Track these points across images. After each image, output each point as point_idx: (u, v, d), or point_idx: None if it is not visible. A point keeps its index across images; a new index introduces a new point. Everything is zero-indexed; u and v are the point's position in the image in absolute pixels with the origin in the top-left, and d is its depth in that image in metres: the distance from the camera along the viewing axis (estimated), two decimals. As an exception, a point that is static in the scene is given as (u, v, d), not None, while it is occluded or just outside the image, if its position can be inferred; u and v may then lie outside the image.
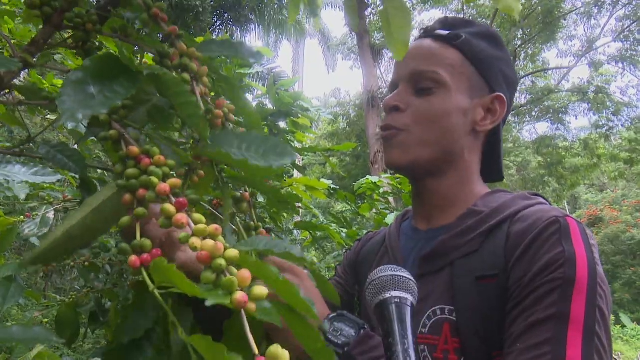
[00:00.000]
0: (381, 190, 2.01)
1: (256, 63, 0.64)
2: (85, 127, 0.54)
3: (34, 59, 0.53)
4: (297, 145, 1.57)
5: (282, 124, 1.49)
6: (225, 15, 10.37)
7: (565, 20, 11.40)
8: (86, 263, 1.19)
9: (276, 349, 0.34)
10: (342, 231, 1.75)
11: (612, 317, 15.18)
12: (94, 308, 1.18)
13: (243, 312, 0.36)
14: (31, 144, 0.64)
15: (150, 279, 0.39)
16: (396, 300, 0.57)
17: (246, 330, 0.35)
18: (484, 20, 11.07)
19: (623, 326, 14.75)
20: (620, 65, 11.66)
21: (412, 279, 0.61)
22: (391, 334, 0.55)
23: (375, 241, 0.87)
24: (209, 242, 0.38)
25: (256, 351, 0.34)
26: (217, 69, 0.63)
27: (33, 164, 0.61)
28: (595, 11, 11.43)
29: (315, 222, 1.61)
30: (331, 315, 0.60)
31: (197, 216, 0.42)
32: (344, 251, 1.85)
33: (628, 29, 11.05)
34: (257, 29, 11.70)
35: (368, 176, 2.03)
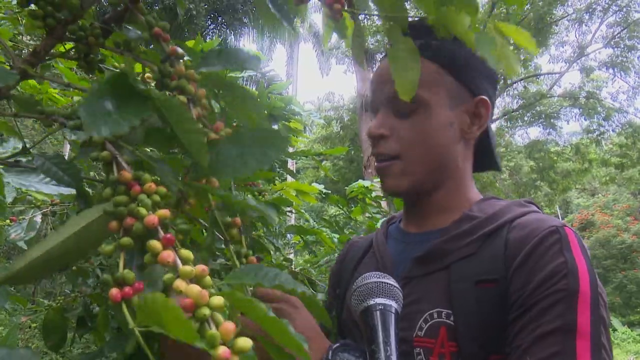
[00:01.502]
0: (373, 194, 2.01)
1: (254, 69, 0.63)
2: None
3: (35, 70, 0.53)
4: (290, 149, 1.57)
5: (274, 128, 1.49)
6: (219, 18, 10.37)
7: (556, 26, 11.53)
8: (74, 267, 1.18)
9: (244, 342, 0.34)
10: (334, 236, 1.75)
11: (604, 321, 15.29)
12: (82, 313, 1.16)
13: None
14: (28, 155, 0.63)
15: (132, 315, 0.37)
16: (380, 307, 0.58)
17: None
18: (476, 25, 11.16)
19: (614, 329, 14.85)
20: (611, 71, 11.80)
21: (397, 286, 0.61)
22: (374, 341, 0.55)
23: (359, 246, 0.87)
24: (194, 289, 0.36)
25: None
26: (221, 80, 0.62)
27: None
28: (587, 17, 11.57)
29: (306, 227, 1.61)
30: (334, 346, 0.60)
31: (185, 253, 0.40)
32: (335, 255, 1.85)
33: (619, 35, 11.19)
34: (251, 32, 11.71)
35: (360, 180, 2.03)
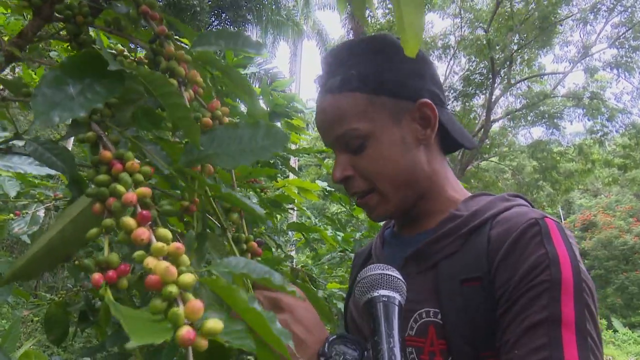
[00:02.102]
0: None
1: (257, 54, 0.61)
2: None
3: (23, 52, 0.51)
4: (292, 146, 1.57)
5: (277, 125, 1.49)
6: (223, 15, 10.37)
7: (561, 25, 11.47)
8: (76, 262, 1.18)
9: (215, 323, 0.32)
10: (339, 234, 1.75)
11: (605, 322, 15.27)
12: (84, 307, 1.17)
13: (190, 350, 0.31)
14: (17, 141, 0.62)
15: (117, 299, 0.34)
16: (384, 299, 0.58)
17: None
18: (480, 24, 11.14)
19: (615, 331, 14.83)
20: (615, 71, 11.73)
21: (400, 278, 0.62)
22: (377, 332, 0.55)
23: (363, 253, 0.90)
24: (161, 264, 0.33)
25: None
26: (218, 62, 0.60)
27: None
28: (591, 17, 11.51)
29: (308, 224, 1.61)
30: (331, 338, 0.60)
31: (163, 232, 0.37)
32: (338, 253, 1.85)
33: (623, 35, 11.13)
34: (255, 29, 11.70)
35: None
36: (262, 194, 1.35)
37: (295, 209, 1.70)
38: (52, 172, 0.61)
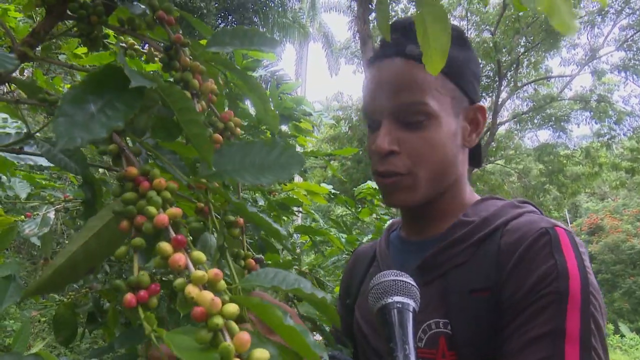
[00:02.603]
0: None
1: (272, 51, 0.59)
2: None
3: (35, 51, 0.50)
4: (299, 149, 1.57)
5: (284, 128, 1.49)
6: (230, 17, 10.41)
7: (568, 28, 11.41)
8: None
9: (262, 353, 0.33)
10: (342, 236, 1.75)
11: (612, 327, 15.14)
12: (92, 308, 1.17)
13: None
14: (31, 141, 0.62)
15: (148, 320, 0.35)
16: (398, 305, 0.58)
17: None
18: (487, 27, 11.11)
19: (622, 335, 14.69)
20: (623, 74, 11.67)
21: (414, 284, 0.61)
22: (392, 339, 0.55)
23: (365, 256, 0.87)
24: (206, 296, 0.34)
25: None
26: (231, 65, 0.59)
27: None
28: (599, 20, 11.45)
29: (315, 227, 1.61)
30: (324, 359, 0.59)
31: (197, 255, 0.38)
32: (344, 256, 1.85)
33: (631, 38, 11.06)
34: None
35: (369, 181, 2.03)
36: (270, 196, 1.35)
37: (302, 211, 1.71)
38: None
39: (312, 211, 1.65)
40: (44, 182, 1.19)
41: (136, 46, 0.68)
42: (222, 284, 0.36)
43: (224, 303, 0.34)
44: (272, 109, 0.62)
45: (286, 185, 1.42)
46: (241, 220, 0.56)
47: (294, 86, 1.60)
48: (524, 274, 0.60)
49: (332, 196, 1.76)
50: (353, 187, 2.10)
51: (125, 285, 0.38)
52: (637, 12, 10.78)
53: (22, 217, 1.02)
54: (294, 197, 1.40)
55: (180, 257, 0.36)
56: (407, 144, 0.69)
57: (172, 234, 0.38)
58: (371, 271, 0.82)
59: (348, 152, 1.79)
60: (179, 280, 0.36)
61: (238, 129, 0.54)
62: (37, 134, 0.59)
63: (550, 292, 0.57)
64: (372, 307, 0.61)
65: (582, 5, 11.05)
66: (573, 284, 0.57)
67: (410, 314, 0.57)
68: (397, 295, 0.59)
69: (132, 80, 0.40)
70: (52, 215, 1.03)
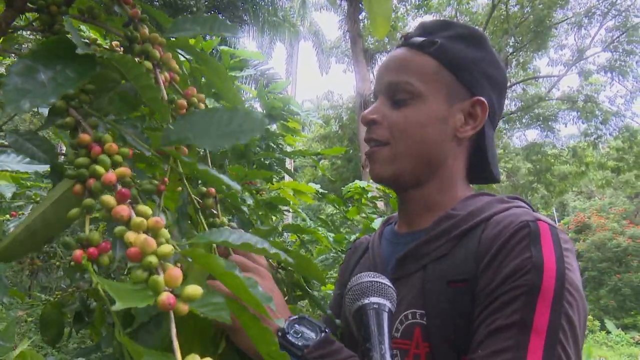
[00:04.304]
0: (369, 195, 2.02)
1: (232, 36, 0.61)
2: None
3: None
4: (288, 148, 1.58)
5: (273, 127, 1.50)
6: (220, 15, 10.35)
7: (556, 29, 11.56)
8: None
9: (194, 289, 0.33)
10: (330, 235, 1.76)
11: (598, 323, 15.34)
12: (79, 308, 1.17)
13: (172, 314, 0.32)
14: None
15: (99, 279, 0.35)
16: (374, 306, 0.58)
17: (172, 335, 0.31)
18: (476, 27, 11.19)
19: (608, 332, 14.90)
20: (609, 74, 11.83)
21: (391, 285, 0.62)
22: (368, 339, 0.56)
23: (361, 246, 0.88)
24: (140, 237, 0.35)
25: (179, 359, 0.30)
26: (194, 49, 0.60)
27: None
28: (586, 21, 11.60)
29: (303, 226, 1.62)
30: (292, 318, 0.60)
31: (143, 208, 0.38)
32: (331, 254, 1.86)
33: (617, 39, 11.23)
34: (251, 30, 11.70)
35: (357, 181, 2.05)
36: (258, 195, 1.36)
37: (291, 210, 1.71)
38: (40, 168, 0.61)
39: (300, 210, 1.66)
40: (28, 184, 1.19)
41: (98, 41, 0.69)
42: (164, 231, 0.37)
43: (159, 245, 0.35)
44: (233, 87, 0.63)
45: (273, 184, 1.42)
46: (213, 190, 0.58)
47: (283, 85, 1.60)
48: (498, 266, 0.59)
49: (321, 195, 1.77)
50: (343, 186, 2.12)
51: (75, 242, 0.38)
52: (623, 14, 10.94)
53: (7, 216, 1.01)
54: (282, 196, 1.41)
55: (123, 209, 0.37)
56: (390, 118, 0.73)
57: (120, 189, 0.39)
58: (362, 262, 0.83)
59: (336, 151, 1.81)
60: (119, 228, 0.37)
61: (202, 104, 0.55)
62: (3, 126, 0.58)
63: (522, 285, 0.56)
64: (349, 308, 0.62)
65: (569, 6, 11.18)
66: (547, 278, 0.56)
67: (386, 315, 0.58)
68: (373, 296, 0.59)
69: (80, 47, 0.40)
70: (37, 214, 1.02)
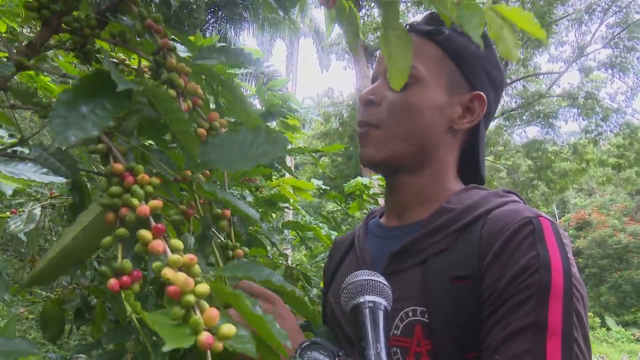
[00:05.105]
0: (371, 191, 2.03)
1: (255, 68, 0.63)
2: None
3: (31, 62, 0.53)
4: (288, 145, 1.58)
5: (273, 124, 1.50)
6: (220, 12, 10.33)
7: (556, 26, 11.52)
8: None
9: (229, 328, 0.35)
10: (332, 233, 1.76)
11: (598, 320, 15.38)
12: (79, 305, 1.18)
13: (209, 353, 0.35)
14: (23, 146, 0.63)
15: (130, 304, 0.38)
16: (370, 304, 0.58)
17: None
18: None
19: (608, 329, 14.94)
20: (610, 71, 11.81)
21: (386, 284, 0.61)
22: (364, 337, 0.56)
23: (343, 243, 0.86)
24: (180, 277, 0.37)
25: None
26: (218, 76, 0.63)
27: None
28: (586, 18, 11.56)
29: (303, 223, 1.62)
30: (305, 344, 0.59)
31: (175, 243, 0.41)
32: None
33: (618, 36, 11.20)
34: (251, 27, 11.67)
35: (358, 177, 2.05)
36: (258, 193, 1.36)
37: (291, 207, 1.72)
38: (56, 179, 0.63)
39: (300, 207, 1.66)
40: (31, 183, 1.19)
41: (127, 62, 0.70)
42: (196, 267, 0.39)
43: (196, 284, 0.37)
44: (257, 117, 0.64)
45: (272, 181, 1.42)
46: (228, 212, 0.58)
47: (283, 83, 1.60)
48: (505, 264, 0.58)
49: (322, 192, 1.77)
50: (343, 182, 2.12)
51: (110, 271, 0.41)
52: (624, 10, 10.91)
53: (8, 213, 1.01)
54: (281, 193, 1.41)
55: (159, 244, 0.40)
56: (388, 99, 0.73)
57: (153, 223, 0.42)
58: (349, 257, 0.81)
59: (336, 148, 1.80)
60: (157, 263, 0.39)
61: (223, 129, 0.55)
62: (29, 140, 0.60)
63: (532, 284, 0.55)
64: (344, 307, 0.61)
65: (569, 2, 11.15)
66: (555, 275, 0.55)
67: (382, 313, 0.58)
68: (369, 294, 0.59)
69: (119, 83, 0.43)
70: (38, 211, 1.02)
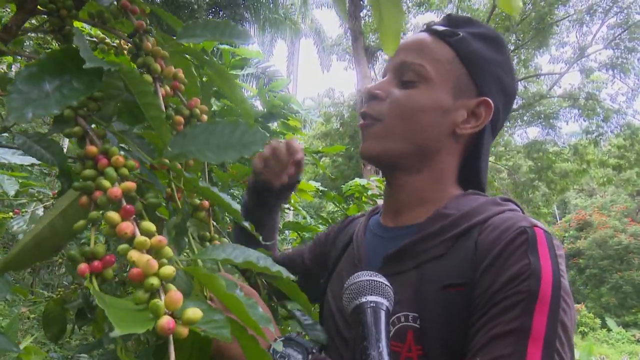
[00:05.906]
0: (369, 193, 2.03)
1: (243, 43, 0.60)
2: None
3: (7, 46, 0.51)
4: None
5: (274, 125, 1.50)
6: (221, 13, 10.34)
7: (557, 26, 11.51)
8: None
9: (194, 312, 0.33)
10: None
11: (598, 321, 15.35)
12: (81, 304, 1.18)
13: (171, 338, 0.32)
14: (7, 134, 0.62)
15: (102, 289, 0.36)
16: (372, 304, 0.58)
17: (170, 357, 0.32)
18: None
19: (609, 330, 14.91)
20: (611, 72, 11.79)
21: (388, 284, 0.61)
22: (366, 337, 0.56)
23: (349, 231, 0.86)
24: (143, 258, 0.35)
25: None
26: (201, 55, 0.61)
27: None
28: (587, 18, 11.55)
29: (303, 223, 1.63)
30: (280, 339, 0.60)
31: (147, 225, 0.38)
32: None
33: (619, 36, 11.19)
34: (253, 27, 11.67)
35: (357, 179, 2.05)
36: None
37: (292, 208, 1.72)
38: (36, 161, 0.61)
39: (300, 208, 1.66)
40: (34, 184, 1.19)
41: (107, 40, 0.69)
42: (167, 250, 0.37)
43: (161, 266, 0.35)
44: (244, 97, 0.63)
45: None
46: (206, 203, 0.57)
47: (283, 84, 1.61)
48: (497, 271, 0.59)
49: (321, 193, 1.78)
50: (344, 183, 2.12)
51: (80, 255, 0.39)
52: (625, 11, 10.90)
53: (11, 214, 1.02)
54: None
55: (127, 225, 0.37)
56: (393, 96, 0.73)
57: (125, 204, 0.39)
58: (349, 251, 0.81)
59: (337, 149, 1.81)
60: (122, 246, 0.37)
61: (204, 116, 0.55)
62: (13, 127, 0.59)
63: (521, 291, 0.56)
64: (346, 307, 0.61)
65: (570, 3, 11.14)
66: (544, 285, 0.56)
67: (384, 313, 0.58)
68: (371, 295, 0.59)
69: (88, 61, 0.40)
70: (40, 212, 1.03)
